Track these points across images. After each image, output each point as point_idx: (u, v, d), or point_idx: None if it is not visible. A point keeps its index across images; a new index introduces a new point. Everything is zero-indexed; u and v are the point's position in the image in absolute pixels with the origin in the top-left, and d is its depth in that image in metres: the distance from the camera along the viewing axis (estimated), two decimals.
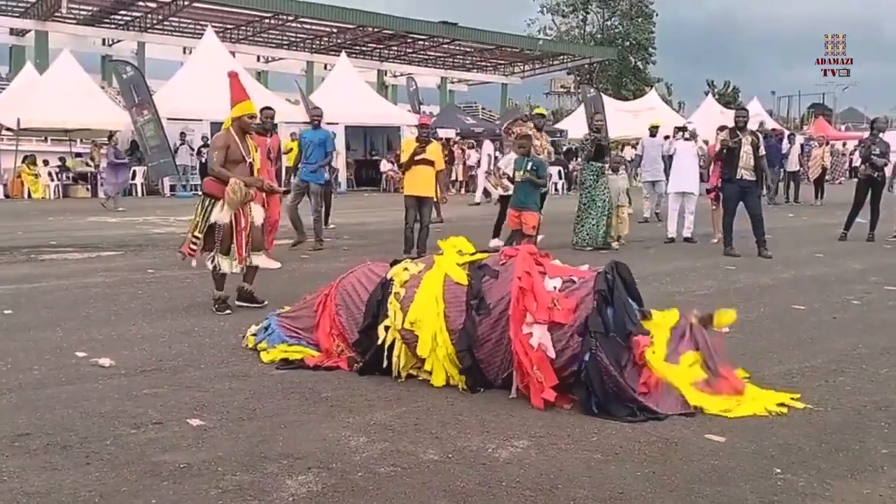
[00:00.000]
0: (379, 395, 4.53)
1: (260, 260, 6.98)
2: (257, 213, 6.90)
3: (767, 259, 10.30)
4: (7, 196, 22.91)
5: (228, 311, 6.75)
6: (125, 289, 7.95)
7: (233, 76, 7.02)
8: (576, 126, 32.59)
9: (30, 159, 23.83)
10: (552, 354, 4.39)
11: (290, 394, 4.55)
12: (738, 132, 10.55)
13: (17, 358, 5.24)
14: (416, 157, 9.79)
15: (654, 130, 15.49)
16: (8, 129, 23.54)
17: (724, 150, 10.55)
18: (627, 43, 58.63)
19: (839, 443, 3.89)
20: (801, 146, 23.00)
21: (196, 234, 6.69)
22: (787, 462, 3.64)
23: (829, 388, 4.78)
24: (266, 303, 6.99)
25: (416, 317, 4.72)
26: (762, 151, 10.75)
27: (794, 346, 5.86)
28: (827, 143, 23.57)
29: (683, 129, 13.20)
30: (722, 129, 11.29)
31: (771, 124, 29.23)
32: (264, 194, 7.60)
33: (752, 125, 11.52)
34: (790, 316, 6.97)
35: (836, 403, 4.49)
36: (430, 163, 9.89)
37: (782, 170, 21.34)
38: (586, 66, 54.50)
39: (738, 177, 10.45)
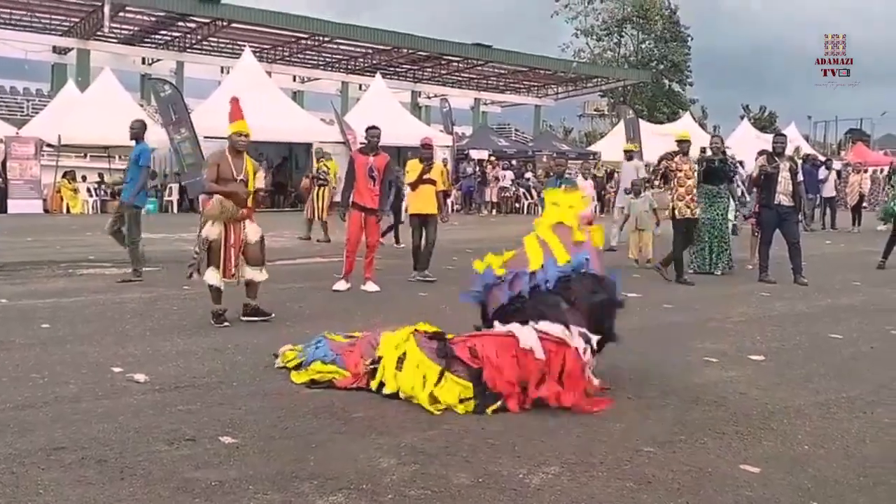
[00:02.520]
0: (410, 417, 4.52)
1: (257, 275, 7.15)
2: (252, 231, 7.11)
3: (804, 286, 10.15)
4: (47, 211, 23.33)
5: (227, 324, 6.93)
6: (160, 305, 8.04)
7: (234, 101, 7.32)
8: (609, 149, 32.45)
9: (69, 175, 24.29)
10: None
11: (320, 413, 4.56)
12: (777, 157, 10.46)
13: (53, 371, 5.32)
14: (424, 177, 9.92)
15: (629, 154, 15.23)
16: (49, 145, 24.03)
17: (763, 176, 10.45)
18: (662, 66, 58.46)
19: (878, 476, 3.81)
20: (838, 172, 22.73)
21: (196, 249, 7.04)
22: (824, 495, 3.57)
23: (868, 420, 4.69)
24: (273, 315, 7.19)
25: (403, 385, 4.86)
26: (800, 177, 10.64)
27: (831, 375, 5.76)
28: (865, 170, 23.23)
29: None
30: (762, 153, 11.15)
31: (807, 150, 28.97)
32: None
33: (789, 150, 11.37)
34: (827, 345, 6.86)
35: (875, 436, 4.41)
36: (433, 182, 10.05)
37: (818, 196, 21.10)
38: (620, 88, 54.49)
39: (776, 202, 10.34)
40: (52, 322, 7.00)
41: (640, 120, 33.29)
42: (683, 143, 10.76)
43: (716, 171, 11.05)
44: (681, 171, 10.45)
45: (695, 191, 10.48)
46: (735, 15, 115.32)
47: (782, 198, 10.35)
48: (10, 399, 4.67)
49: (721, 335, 7.09)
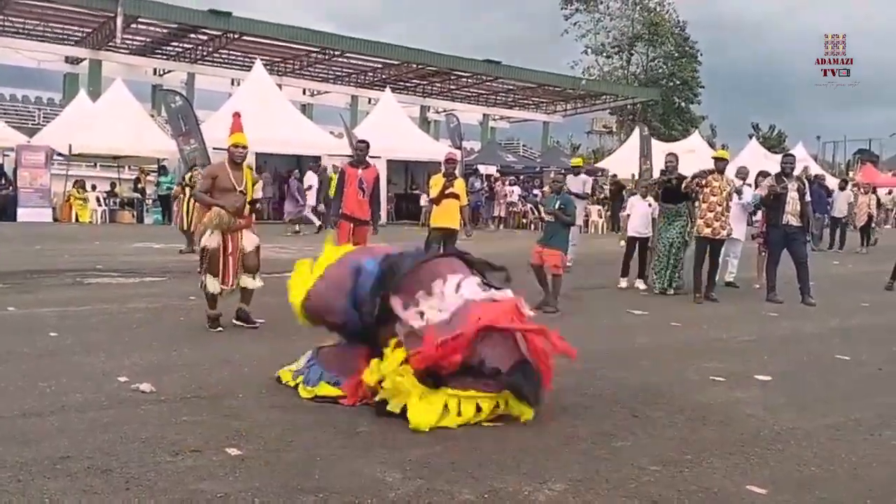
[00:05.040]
0: (416, 432, 4.50)
1: (252, 282, 7.36)
2: (248, 240, 7.33)
3: (811, 307, 10.13)
4: (56, 219, 23.43)
5: (220, 329, 7.17)
6: (167, 314, 8.07)
7: (235, 116, 7.65)
8: (617, 165, 32.48)
9: (78, 184, 24.42)
10: None
11: (326, 427, 4.55)
12: (785, 178, 10.46)
13: (59, 381, 5.32)
14: (446, 192, 9.98)
15: (576, 169, 15.10)
16: (59, 154, 24.15)
17: (771, 197, 10.43)
18: (671, 84, 58.51)
19: (886, 499, 3.79)
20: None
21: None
22: None
23: (876, 443, 4.66)
24: (257, 325, 7.37)
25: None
26: (808, 197, 10.63)
27: (838, 397, 5.73)
28: (874, 191, 23.16)
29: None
30: (763, 175, 11.10)
31: (816, 170, 28.92)
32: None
33: (797, 170, 11.35)
34: (835, 366, 6.83)
35: (883, 458, 4.38)
36: (457, 197, 10.09)
37: (826, 216, 21.06)
38: (629, 106, 54.59)
39: (783, 222, 10.34)
40: (60, 331, 7.01)
41: (652, 138, 33.28)
42: (720, 162, 10.57)
43: (674, 189, 10.69)
44: (708, 187, 10.28)
45: (719, 209, 10.22)
46: (745, 32, 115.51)
47: (790, 218, 10.34)
48: (18, 407, 4.68)
49: (728, 355, 7.06)
